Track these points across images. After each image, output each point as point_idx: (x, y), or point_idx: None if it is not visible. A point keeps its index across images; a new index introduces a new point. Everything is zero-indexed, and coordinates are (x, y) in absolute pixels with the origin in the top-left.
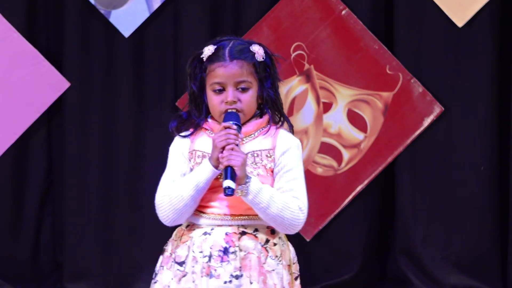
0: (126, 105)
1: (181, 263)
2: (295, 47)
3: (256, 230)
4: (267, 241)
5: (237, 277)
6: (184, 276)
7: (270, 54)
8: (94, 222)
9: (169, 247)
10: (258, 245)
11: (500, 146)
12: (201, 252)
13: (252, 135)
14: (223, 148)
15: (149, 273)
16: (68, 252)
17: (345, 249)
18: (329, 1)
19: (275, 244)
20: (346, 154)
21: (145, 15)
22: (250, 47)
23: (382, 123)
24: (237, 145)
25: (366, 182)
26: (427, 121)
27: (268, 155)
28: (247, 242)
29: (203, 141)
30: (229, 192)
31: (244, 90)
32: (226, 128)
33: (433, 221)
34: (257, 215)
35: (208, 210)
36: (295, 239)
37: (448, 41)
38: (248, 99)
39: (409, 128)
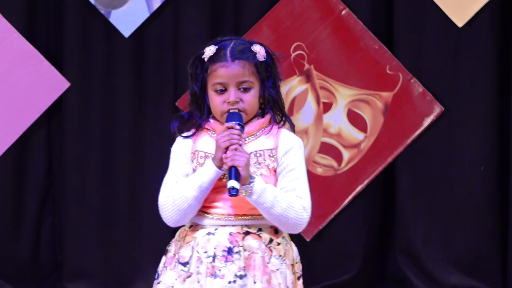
0: (126, 105)
1: (185, 264)
2: (295, 47)
3: (259, 229)
4: (271, 240)
5: (241, 277)
6: (188, 276)
7: (271, 54)
8: (94, 222)
9: (172, 248)
10: (262, 244)
11: (500, 146)
12: (205, 252)
13: (255, 135)
14: (227, 148)
15: (149, 273)
16: (68, 252)
17: (345, 249)
18: (329, 1)
19: (279, 244)
20: (346, 154)
21: (145, 15)
22: (252, 47)
23: (382, 123)
24: (240, 145)
25: (366, 182)
26: (427, 121)
27: (271, 155)
28: (251, 241)
29: (206, 142)
30: (234, 192)
31: (246, 90)
32: (229, 128)
33: (433, 221)
34: (260, 214)
35: (212, 211)
36: (295, 239)
37: (448, 41)
38: (250, 99)
39: (409, 128)
